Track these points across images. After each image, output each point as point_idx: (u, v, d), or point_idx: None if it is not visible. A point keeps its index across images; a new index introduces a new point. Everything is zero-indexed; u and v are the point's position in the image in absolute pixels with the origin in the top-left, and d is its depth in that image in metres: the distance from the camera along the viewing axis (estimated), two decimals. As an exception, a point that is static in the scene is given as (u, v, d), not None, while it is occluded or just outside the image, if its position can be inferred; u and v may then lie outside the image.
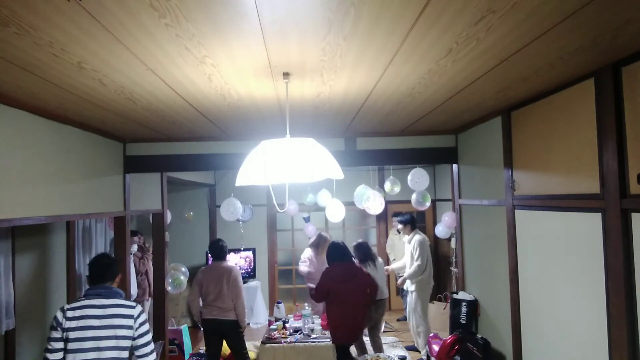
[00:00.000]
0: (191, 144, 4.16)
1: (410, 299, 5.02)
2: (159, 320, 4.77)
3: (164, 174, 4.78)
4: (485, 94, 2.73)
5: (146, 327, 2.45)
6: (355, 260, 4.39)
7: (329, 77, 2.25)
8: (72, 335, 2.26)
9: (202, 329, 4.21)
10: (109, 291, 2.43)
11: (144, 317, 2.44)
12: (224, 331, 4.10)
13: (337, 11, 1.47)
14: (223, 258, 4.22)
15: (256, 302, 6.60)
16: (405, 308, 6.63)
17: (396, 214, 6.49)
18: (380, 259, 4.76)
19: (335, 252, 4.04)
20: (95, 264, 2.51)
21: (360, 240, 4.76)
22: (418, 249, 4.93)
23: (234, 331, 4.11)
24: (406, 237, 5.22)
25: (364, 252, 4.61)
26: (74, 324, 2.28)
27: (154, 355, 2.45)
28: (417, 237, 5.04)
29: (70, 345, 2.26)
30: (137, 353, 2.39)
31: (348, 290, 3.85)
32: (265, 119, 3.33)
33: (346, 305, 3.85)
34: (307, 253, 5.54)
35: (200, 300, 4.16)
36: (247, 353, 4.19)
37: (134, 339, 2.37)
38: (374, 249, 7.36)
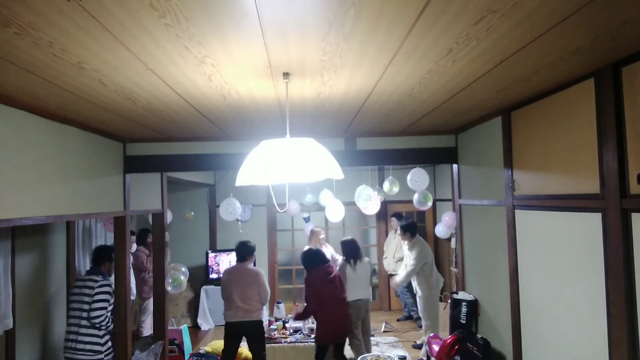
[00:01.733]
0: (191, 144, 4.16)
1: (420, 302, 5.08)
2: (159, 320, 4.77)
3: (164, 174, 4.78)
4: (485, 94, 2.73)
5: (101, 296, 3.44)
6: (342, 258, 4.49)
7: (329, 77, 2.25)
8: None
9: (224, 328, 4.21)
10: (92, 270, 3.56)
11: (102, 289, 3.44)
12: (247, 332, 4.09)
13: (337, 11, 1.47)
14: (244, 259, 4.21)
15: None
16: (404, 307, 6.67)
17: (395, 215, 6.51)
18: (366, 259, 4.69)
19: (309, 260, 4.12)
20: (93, 252, 3.73)
21: (349, 237, 4.73)
22: (415, 253, 4.91)
23: (257, 332, 4.10)
24: (405, 244, 5.18)
25: (350, 249, 4.57)
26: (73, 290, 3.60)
27: (101, 315, 3.39)
28: (417, 247, 4.97)
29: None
30: (91, 315, 3.36)
31: (332, 290, 3.96)
32: (265, 119, 3.33)
33: (333, 304, 3.95)
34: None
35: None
36: (266, 355, 4.18)
37: (90, 303, 3.38)
38: (374, 249, 7.38)
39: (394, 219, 6.56)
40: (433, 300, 4.96)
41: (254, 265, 6.39)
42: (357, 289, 4.40)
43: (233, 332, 4.09)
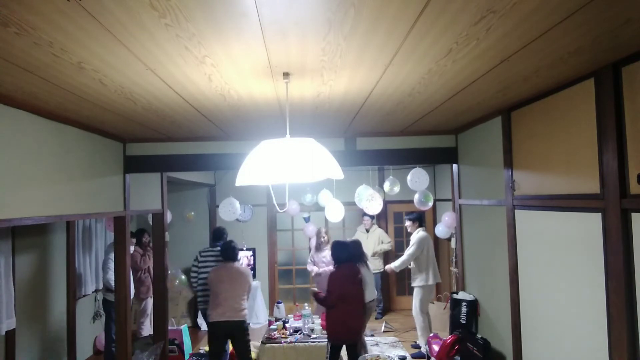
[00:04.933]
0: (191, 144, 4.16)
1: (413, 294, 5.17)
2: (159, 320, 4.77)
3: (164, 174, 4.78)
4: (485, 94, 2.73)
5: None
6: None
7: (329, 77, 2.25)
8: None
9: (207, 330, 4.22)
10: (214, 245, 4.56)
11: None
12: (232, 332, 4.08)
13: (337, 11, 1.47)
14: (234, 259, 4.26)
15: (256, 302, 6.60)
16: None
17: (364, 213, 6.56)
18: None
19: (343, 253, 4.06)
20: (213, 231, 4.96)
21: (352, 239, 4.74)
22: (415, 244, 5.15)
23: (241, 332, 4.09)
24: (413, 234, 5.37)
25: (360, 251, 4.54)
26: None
27: None
28: (420, 233, 5.24)
29: None
30: None
31: (354, 290, 3.91)
32: (265, 119, 3.33)
33: (351, 304, 3.90)
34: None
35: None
36: (251, 358, 4.18)
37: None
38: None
39: (365, 217, 6.66)
40: (425, 297, 5.02)
41: (255, 264, 6.40)
42: (372, 289, 4.42)
43: (219, 333, 4.08)
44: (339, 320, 3.90)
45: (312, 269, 5.55)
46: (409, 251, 5.18)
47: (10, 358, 4.04)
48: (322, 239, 5.52)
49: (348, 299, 3.88)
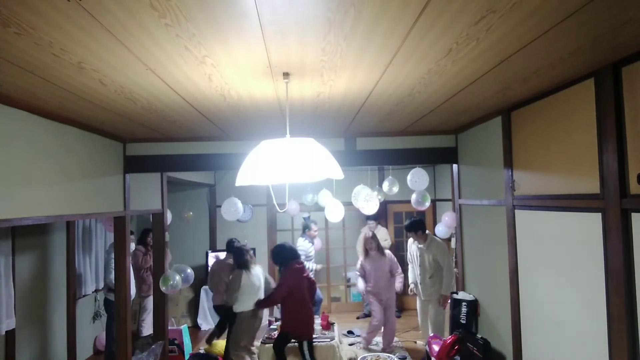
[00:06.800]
0: (191, 144, 4.16)
1: (432, 306, 4.65)
2: (159, 320, 4.77)
3: (164, 174, 4.79)
4: (485, 94, 2.73)
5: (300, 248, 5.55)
6: None
7: (329, 77, 2.25)
8: None
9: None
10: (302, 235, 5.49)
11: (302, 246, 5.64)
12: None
13: (337, 11, 1.47)
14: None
15: (256, 302, 6.59)
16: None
17: (368, 217, 6.48)
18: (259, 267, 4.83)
19: (287, 253, 4.33)
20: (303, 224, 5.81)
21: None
22: (444, 254, 4.57)
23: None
24: (415, 244, 4.81)
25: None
26: None
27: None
28: (437, 241, 4.68)
29: None
30: None
31: (305, 287, 4.22)
32: (265, 119, 3.33)
33: (305, 300, 4.21)
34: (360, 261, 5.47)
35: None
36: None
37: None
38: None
39: (369, 221, 6.52)
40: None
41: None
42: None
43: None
44: (304, 318, 4.18)
45: (361, 284, 5.21)
46: (450, 268, 4.45)
47: (10, 358, 4.04)
48: (371, 245, 5.21)
49: (303, 295, 4.17)
